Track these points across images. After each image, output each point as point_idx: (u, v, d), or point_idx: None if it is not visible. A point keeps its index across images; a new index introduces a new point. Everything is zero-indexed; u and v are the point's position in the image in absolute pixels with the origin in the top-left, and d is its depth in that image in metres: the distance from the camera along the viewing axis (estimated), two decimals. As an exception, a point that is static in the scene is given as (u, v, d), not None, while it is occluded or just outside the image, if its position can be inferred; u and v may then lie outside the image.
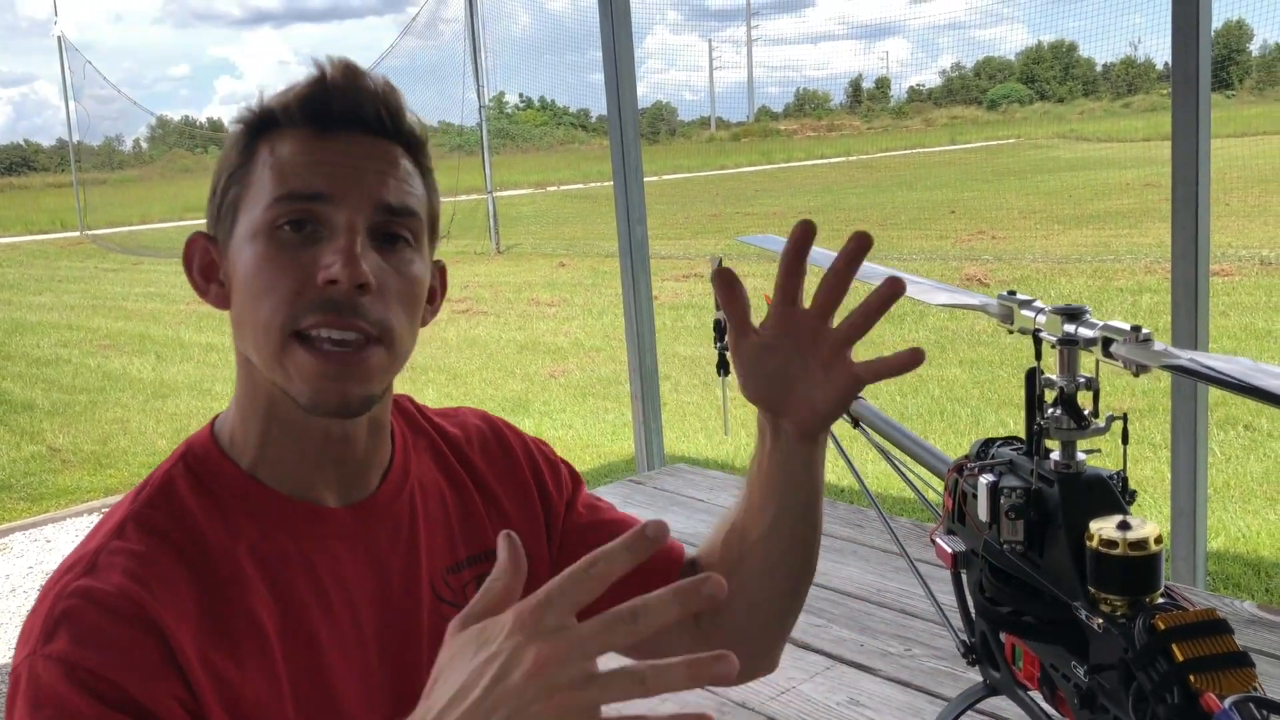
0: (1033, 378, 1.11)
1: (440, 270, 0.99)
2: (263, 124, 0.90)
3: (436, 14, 20.51)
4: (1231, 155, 14.57)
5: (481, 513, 1.03)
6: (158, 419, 7.73)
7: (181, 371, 9.31)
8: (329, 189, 0.86)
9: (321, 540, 0.92)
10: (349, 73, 0.89)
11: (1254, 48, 31.30)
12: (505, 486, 1.06)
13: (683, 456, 5.23)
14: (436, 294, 0.99)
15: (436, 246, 0.97)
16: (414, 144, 0.92)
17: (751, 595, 1.03)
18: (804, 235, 0.90)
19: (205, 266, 0.93)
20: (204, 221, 0.94)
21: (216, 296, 0.92)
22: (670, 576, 1.07)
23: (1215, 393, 4.83)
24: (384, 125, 0.90)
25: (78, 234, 26.18)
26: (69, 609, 0.80)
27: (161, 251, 20.47)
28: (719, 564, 1.05)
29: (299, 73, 0.91)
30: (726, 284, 0.93)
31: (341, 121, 0.88)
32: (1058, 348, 1.07)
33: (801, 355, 0.93)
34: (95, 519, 5.55)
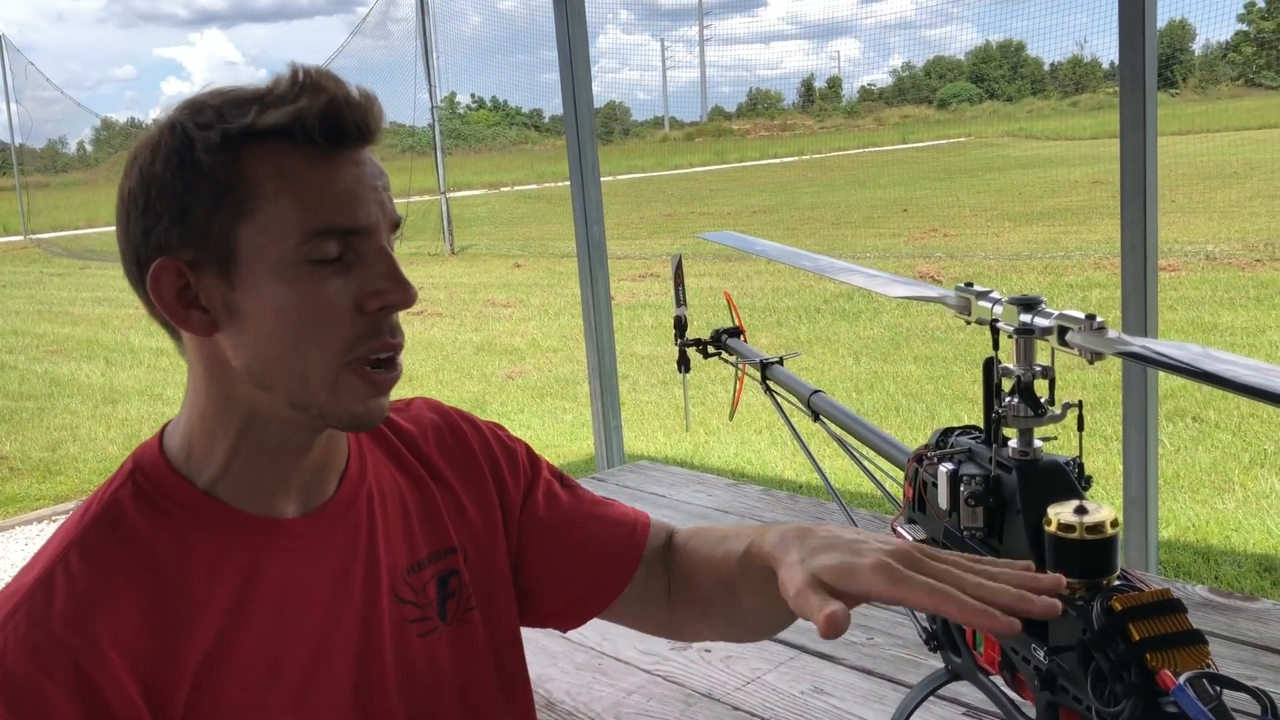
0: (990, 367, 1.13)
1: None
2: (248, 135, 0.83)
3: (386, 14, 20.37)
4: (1176, 153, 14.86)
5: (441, 508, 1.03)
6: (108, 425, 7.62)
7: (132, 376, 9.18)
8: (366, 221, 0.85)
9: (278, 553, 0.90)
10: (341, 83, 0.85)
11: (1196, 47, 31.93)
12: (461, 479, 1.05)
13: (642, 455, 5.24)
14: None
15: None
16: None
17: (716, 615, 1.06)
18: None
19: (180, 292, 0.85)
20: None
21: (200, 324, 0.86)
22: (636, 552, 1.09)
23: (1164, 385, 4.92)
24: (374, 137, 0.88)
25: (21, 238, 25.72)
26: (2, 653, 0.79)
27: (109, 256, 20.14)
28: (690, 576, 1.07)
29: (246, 73, 0.87)
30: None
31: (354, 139, 0.86)
32: (1015, 337, 1.09)
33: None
34: (45, 527, 5.46)
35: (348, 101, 0.84)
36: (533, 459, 1.12)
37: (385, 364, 0.88)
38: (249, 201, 0.83)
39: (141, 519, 0.87)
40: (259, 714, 0.87)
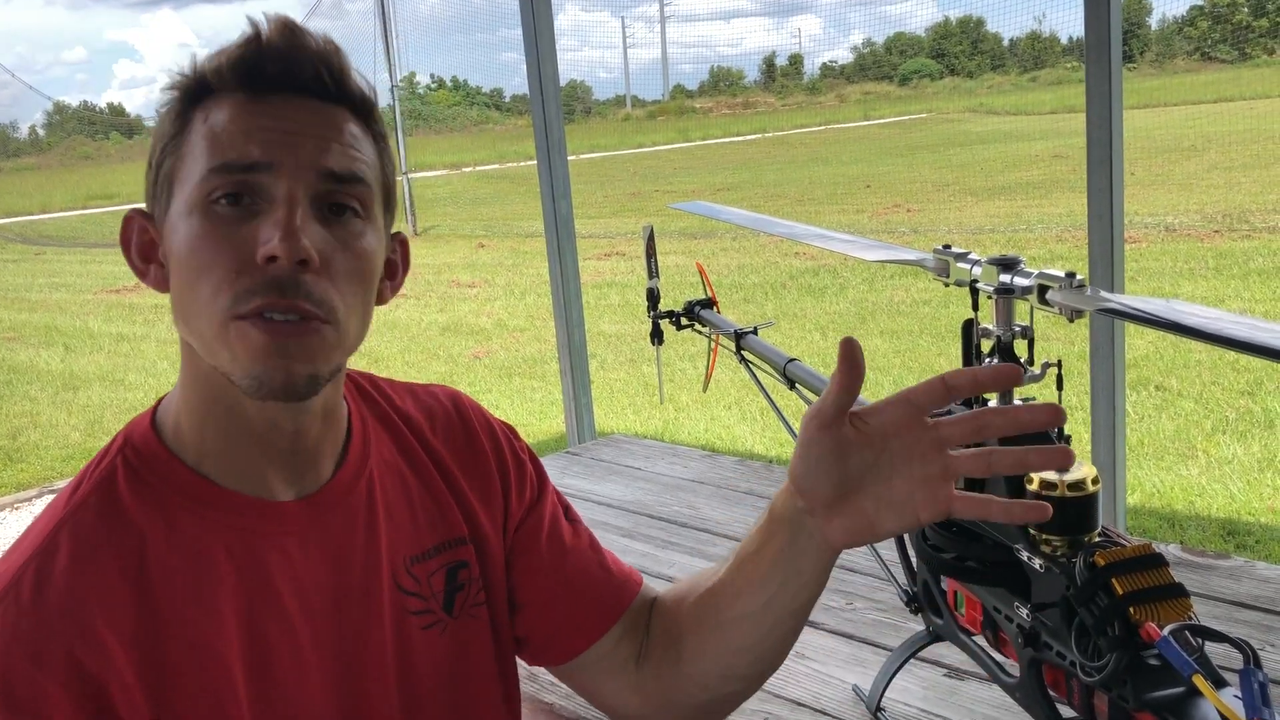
0: (969, 328, 1.14)
1: (401, 243, 0.94)
2: (198, 90, 0.83)
3: (345, -7, 20.15)
4: (1134, 126, 14.96)
5: (448, 498, 0.98)
6: (69, 411, 7.51)
7: (92, 362, 9.04)
8: (265, 158, 0.79)
9: (272, 537, 0.86)
10: (286, 31, 0.82)
11: (1152, 21, 32.22)
12: (467, 472, 1.00)
13: (613, 432, 5.24)
14: (397, 268, 0.93)
15: (394, 217, 0.91)
16: (362, 107, 0.86)
17: (707, 669, 0.97)
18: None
19: (144, 246, 0.86)
20: (121, 207, 0.91)
21: (156, 278, 0.85)
22: (618, 607, 1.03)
23: (1129, 354, 4.96)
24: (326, 88, 0.83)
25: (-25, 225, 25.28)
26: None
27: (65, 241, 19.84)
28: (685, 623, 0.99)
29: (201, 56, 0.86)
30: (850, 360, 0.84)
31: (278, 84, 0.82)
32: (994, 298, 1.09)
33: (904, 462, 0.82)
34: (6, 515, 5.37)
35: (271, 46, 0.81)
36: (541, 478, 1.07)
37: (284, 322, 0.79)
38: (182, 149, 0.83)
39: (131, 498, 0.83)
40: (250, 700, 0.83)
